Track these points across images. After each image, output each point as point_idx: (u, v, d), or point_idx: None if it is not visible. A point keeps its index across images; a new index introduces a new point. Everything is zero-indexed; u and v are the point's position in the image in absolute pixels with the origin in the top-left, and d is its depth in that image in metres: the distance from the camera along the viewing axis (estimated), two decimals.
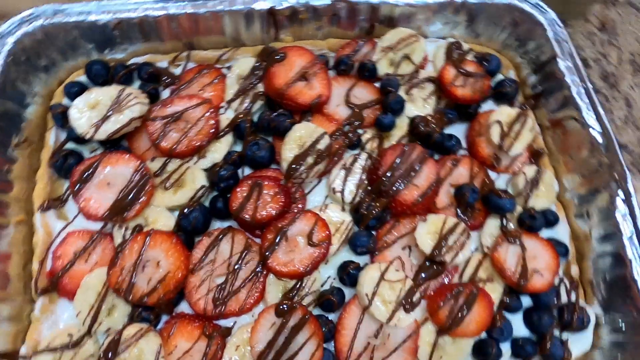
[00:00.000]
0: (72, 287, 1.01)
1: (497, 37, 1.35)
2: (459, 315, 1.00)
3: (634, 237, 1.04)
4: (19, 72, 1.11)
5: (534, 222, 1.10)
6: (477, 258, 1.12)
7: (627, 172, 1.08)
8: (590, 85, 1.16)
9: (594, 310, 1.10)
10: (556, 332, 1.07)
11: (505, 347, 1.05)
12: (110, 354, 0.91)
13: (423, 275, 1.08)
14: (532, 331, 1.07)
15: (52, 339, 0.97)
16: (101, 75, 1.17)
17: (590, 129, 1.14)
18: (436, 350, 1.03)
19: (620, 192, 1.08)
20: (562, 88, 1.21)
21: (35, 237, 1.06)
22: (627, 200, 1.06)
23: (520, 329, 1.08)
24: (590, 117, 1.15)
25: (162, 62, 1.24)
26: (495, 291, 1.07)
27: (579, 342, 1.07)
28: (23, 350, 0.97)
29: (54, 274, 1.02)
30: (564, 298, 1.11)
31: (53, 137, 1.15)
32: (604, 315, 1.08)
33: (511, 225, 1.14)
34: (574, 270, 1.15)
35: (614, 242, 1.07)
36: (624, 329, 1.03)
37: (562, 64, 1.20)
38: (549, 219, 1.13)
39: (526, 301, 1.10)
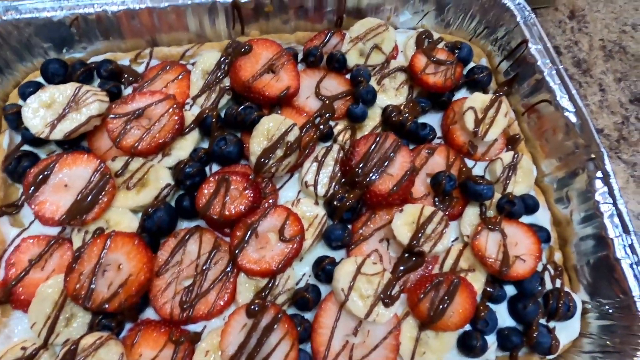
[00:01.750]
0: (27, 297, 0.94)
1: (467, 26, 1.34)
2: (440, 307, 0.96)
3: (615, 217, 1.01)
4: None
5: (513, 207, 1.07)
6: (458, 248, 1.08)
7: (604, 151, 1.05)
8: (562, 67, 1.15)
9: (580, 297, 1.06)
10: (542, 321, 1.03)
11: (491, 339, 1.01)
12: None
13: (402, 267, 1.03)
14: (517, 321, 1.03)
15: (3, 354, 0.89)
16: (58, 74, 1.12)
17: (565, 111, 1.12)
18: (419, 346, 0.97)
19: (598, 173, 1.05)
20: (534, 72, 1.19)
21: None
22: (606, 180, 1.04)
23: (505, 319, 1.04)
24: (563, 99, 1.13)
25: (124, 60, 1.20)
26: (477, 281, 1.03)
27: (566, 330, 1.03)
28: None
29: (7, 283, 0.95)
30: (548, 285, 1.07)
31: (7, 140, 1.08)
32: (591, 300, 1.05)
33: (490, 213, 1.11)
34: (557, 257, 1.12)
35: (595, 224, 1.04)
36: (611, 312, 1.00)
37: (533, 48, 1.19)
38: (529, 204, 1.10)
39: (510, 290, 1.06)
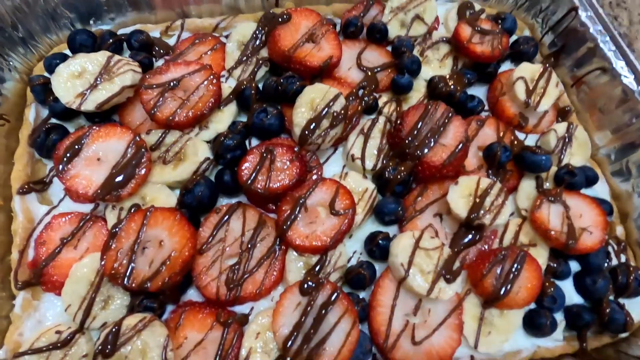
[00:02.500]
0: (59, 278, 0.86)
1: None
2: (507, 282, 0.89)
3: None
4: None
5: (574, 178, 1.00)
6: (516, 222, 1.01)
7: None
8: (616, 33, 1.09)
9: None
10: (610, 298, 0.96)
11: (559, 317, 0.94)
12: (108, 349, 0.75)
13: (461, 242, 0.96)
14: (585, 298, 0.96)
15: (37, 338, 0.81)
16: (86, 45, 1.05)
17: (623, 77, 1.06)
18: (484, 325, 0.90)
19: None
20: (585, 41, 1.14)
21: (14, 224, 0.91)
22: None
23: (571, 296, 0.97)
24: (620, 66, 1.07)
25: (154, 32, 1.13)
26: (540, 256, 0.96)
27: (636, 306, 0.96)
28: (1, 354, 0.80)
29: (37, 264, 0.87)
30: (613, 261, 1.01)
31: (33, 113, 1.01)
32: None
33: (547, 185, 1.04)
34: (620, 231, 1.05)
35: None
36: None
37: (584, 15, 1.14)
38: (589, 175, 1.04)
39: (574, 266, 0.99)
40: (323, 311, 0.82)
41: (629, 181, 1.05)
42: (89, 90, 0.95)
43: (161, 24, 1.14)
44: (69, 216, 0.92)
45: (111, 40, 1.06)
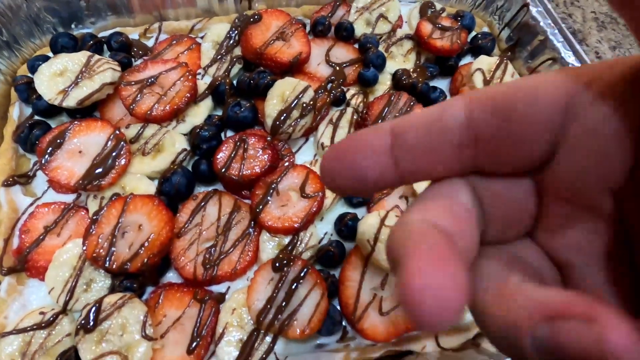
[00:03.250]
0: (43, 263, 0.90)
1: None
2: None
3: None
4: None
5: None
6: None
7: None
8: (564, 26, 1.18)
9: None
10: None
11: None
12: (90, 325, 0.80)
13: None
14: None
15: (21, 319, 0.85)
16: (68, 47, 1.11)
17: (571, 65, 1.15)
18: None
19: None
20: (537, 34, 1.23)
21: None
22: None
23: None
24: (568, 55, 1.16)
25: (133, 35, 1.20)
26: None
27: None
28: None
29: (22, 251, 0.92)
30: None
31: (17, 112, 1.07)
32: None
33: None
34: None
35: None
36: None
37: (534, 10, 1.23)
38: None
39: None
40: (294, 285, 0.87)
41: None
42: (70, 87, 1.01)
43: (140, 27, 1.21)
44: (52, 206, 0.97)
45: (92, 42, 1.12)
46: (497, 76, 1.19)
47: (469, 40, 1.31)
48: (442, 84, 1.27)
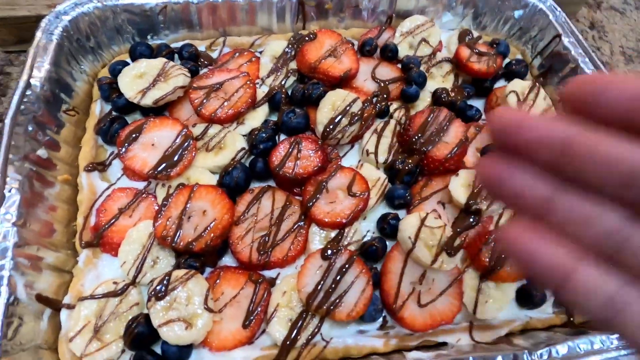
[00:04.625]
0: (116, 240, 1.01)
1: (501, 28, 1.50)
2: (500, 257, 1.02)
3: None
4: (71, 50, 1.19)
5: None
6: (509, 211, 1.15)
7: None
8: (594, 56, 1.28)
9: None
10: None
11: (549, 293, 1.05)
12: (161, 293, 0.89)
13: (460, 225, 1.10)
14: None
15: (97, 287, 0.95)
16: (144, 55, 1.25)
17: None
18: (481, 295, 1.03)
19: None
20: (568, 62, 1.33)
21: (80, 195, 1.07)
22: None
23: None
24: None
25: (201, 47, 1.34)
26: None
27: None
28: (66, 300, 0.94)
29: (98, 228, 1.03)
30: None
31: (98, 108, 1.20)
32: None
33: None
34: None
35: None
36: None
37: (566, 40, 1.33)
38: None
39: None
40: (341, 272, 0.96)
41: None
42: (148, 88, 1.14)
43: (207, 40, 1.35)
44: (126, 191, 1.08)
45: (166, 51, 1.26)
46: (530, 98, 1.28)
47: (503, 65, 1.41)
48: (478, 103, 1.36)
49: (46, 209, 1.00)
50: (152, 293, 0.89)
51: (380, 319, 1.00)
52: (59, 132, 1.12)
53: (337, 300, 0.93)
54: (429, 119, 1.19)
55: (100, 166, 1.13)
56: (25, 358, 0.83)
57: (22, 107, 1.02)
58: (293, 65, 1.31)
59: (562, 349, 0.90)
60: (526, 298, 1.03)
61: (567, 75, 1.33)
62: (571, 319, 1.05)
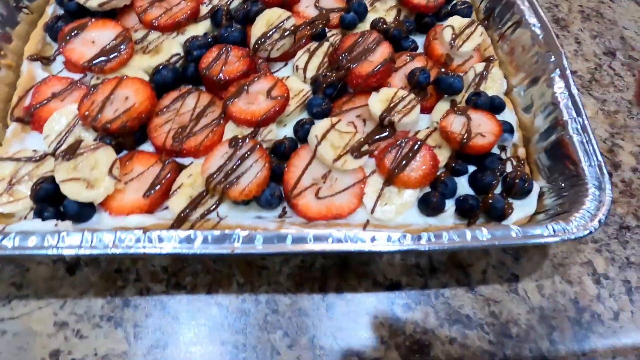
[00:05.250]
0: (45, 119, 1.09)
1: None
2: (403, 161, 1.06)
3: (569, 102, 1.12)
4: None
5: (480, 98, 1.18)
6: (427, 131, 1.19)
7: (562, 51, 1.18)
8: (536, 3, 1.30)
9: (539, 184, 1.14)
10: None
11: (450, 204, 1.08)
12: (67, 155, 0.96)
13: (373, 136, 1.14)
14: (476, 191, 1.11)
15: (17, 152, 1.03)
16: None
17: (532, 27, 1.26)
18: (381, 198, 1.06)
19: (557, 71, 1.17)
20: (507, 2, 1.36)
21: (20, 80, 1.16)
22: (563, 74, 1.15)
23: (466, 191, 1.12)
24: (531, 18, 1.28)
25: None
26: (441, 155, 1.13)
27: (523, 207, 1.10)
28: None
29: (30, 107, 1.11)
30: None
31: (52, 9, 1.30)
32: (547, 184, 1.12)
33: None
34: (521, 152, 1.21)
35: (553, 115, 1.14)
36: (563, 185, 1.07)
37: None
38: (495, 101, 1.21)
39: (472, 170, 1.14)
40: (243, 157, 1.01)
41: (531, 111, 1.22)
42: None
43: None
44: (63, 80, 1.17)
45: None
46: (465, 33, 1.31)
47: (449, 8, 1.45)
48: (419, 40, 1.40)
49: None
50: (61, 153, 0.97)
51: (280, 209, 1.04)
52: (13, 27, 1.22)
53: (234, 180, 0.98)
54: (359, 41, 1.24)
55: (44, 59, 1.22)
56: None
57: None
58: None
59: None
60: (425, 202, 1.06)
61: (509, 17, 1.36)
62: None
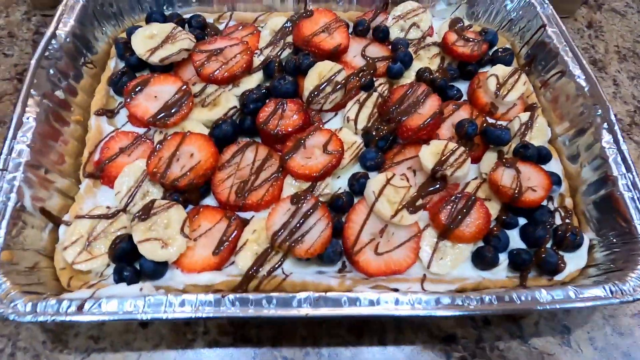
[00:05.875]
0: (114, 174, 1.14)
1: (493, 19, 1.57)
2: (458, 217, 1.10)
3: (618, 157, 1.15)
4: (95, 12, 1.37)
5: (527, 150, 1.22)
6: (476, 183, 1.23)
7: (609, 106, 1.21)
8: (574, 45, 1.34)
9: (588, 236, 1.17)
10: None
11: (503, 257, 1.12)
12: (144, 215, 1.02)
13: (426, 188, 1.18)
14: (528, 245, 1.14)
15: (92, 209, 1.09)
16: (159, 21, 1.40)
17: (577, 78, 1.30)
18: (437, 252, 1.10)
19: (604, 124, 1.20)
20: (550, 51, 1.39)
21: (88, 134, 1.22)
22: (610, 128, 1.19)
23: (518, 244, 1.15)
24: (575, 69, 1.31)
25: (209, 19, 1.49)
26: (492, 209, 1.16)
27: (574, 260, 1.13)
28: (66, 217, 1.08)
29: (100, 162, 1.17)
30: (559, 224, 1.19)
31: (113, 64, 1.36)
32: (597, 237, 1.15)
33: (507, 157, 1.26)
34: (568, 202, 1.24)
35: (601, 168, 1.17)
36: (615, 241, 1.10)
37: (550, 31, 1.39)
38: (542, 152, 1.25)
39: (522, 222, 1.18)
40: (306, 215, 1.06)
41: (578, 161, 1.25)
42: (157, 48, 1.29)
43: (215, 14, 1.50)
44: (128, 134, 1.23)
45: (177, 19, 1.41)
46: (509, 82, 1.35)
47: (490, 53, 1.49)
48: (462, 86, 1.44)
49: (59, 142, 1.16)
50: (136, 214, 1.02)
51: (340, 263, 1.09)
52: (78, 81, 1.28)
53: (299, 238, 1.03)
54: (408, 92, 1.28)
55: (109, 112, 1.28)
56: (24, 256, 0.97)
57: (47, 53, 1.19)
58: (290, 39, 1.43)
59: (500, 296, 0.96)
60: (479, 257, 1.10)
61: (551, 63, 1.39)
62: (524, 283, 1.11)
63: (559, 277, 1.11)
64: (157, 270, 1.01)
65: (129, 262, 1.02)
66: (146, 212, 1.03)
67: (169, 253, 1.00)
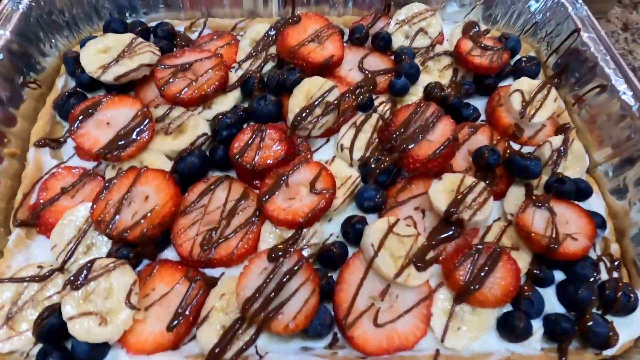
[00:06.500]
0: (53, 221, 0.93)
1: (514, 23, 1.34)
2: (479, 275, 0.86)
3: None
4: (41, 22, 1.15)
5: (564, 186, 0.98)
6: (500, 225, 0.99)
7: None
8: (617, 52, 1.10)
9: None
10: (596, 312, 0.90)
11: (537, 324, 0.89)
12: (77, 282, 0.80)
13: (438, 236, 0.95)
14: (568, 308, 0.91)
15: (20, 270, 0.87)
16: (118, 31, 1.19)
17: (622, 94, 1.06)
18: (453, 320, 0.87)
19: None
20: (586, 60, 1.15)
21: (25, 171, 1.01)
22: None
23: (554, 306, 0.92)
24: (620, 82, 1.07)
25: (179, 27, 1.27)
26: (521, 260, 0.93)
27: (626, 326, 0.89)
28: None
29: (36, 207, 0.95)
30: (604, 277, 0.95)
31: (62, 82, 1.15)
32: None
33: (537, 193, 1.02)
34: (614, 249, 1.00)
35: None
36: None
37: (586, 36, 1.16)
38: (581, 186, 1.01)
39: (559, 277, 0.95)
40: (285, 277, 0.83)
41: (626, 198, 1.02)
42: (111, 64, 1.07)
43: (187, 21, 1.28)
44: (73, 170, 1.01)
45: (140, 28, 1.19)
46: (537, 99, 1.12)
47: (512, 63, 1.26)
48: (479, 103, 1.21)
49: None
50: (68, 281, 0.80)
51: (330, 336, 0.86)
52: (17, 105, 1.07)
53: (276, 309, 0.81)
54: (414, 115, 1.05)
55: (53, 143, 1.07)
56: None
57: None
58: (274, 49, 1.21)
59: None
60: (508, 326, 0.87)
61: (586, 75, 1.16)
62: (563, 358, 0.87)
63: (609, 352, 0.87)
64: (94, 353, 0.79)
65: (59, 342, 0.80)
66: (80, 278, 0.80)
67: (109, 331, 0.78)
